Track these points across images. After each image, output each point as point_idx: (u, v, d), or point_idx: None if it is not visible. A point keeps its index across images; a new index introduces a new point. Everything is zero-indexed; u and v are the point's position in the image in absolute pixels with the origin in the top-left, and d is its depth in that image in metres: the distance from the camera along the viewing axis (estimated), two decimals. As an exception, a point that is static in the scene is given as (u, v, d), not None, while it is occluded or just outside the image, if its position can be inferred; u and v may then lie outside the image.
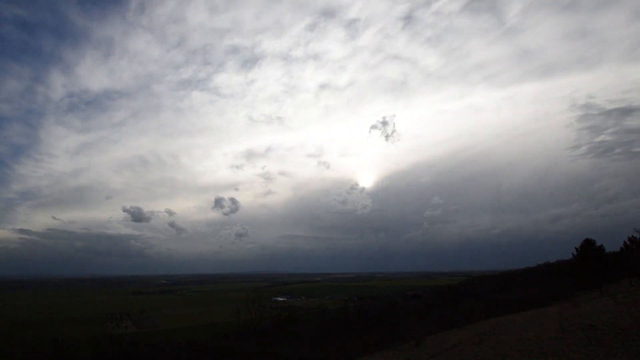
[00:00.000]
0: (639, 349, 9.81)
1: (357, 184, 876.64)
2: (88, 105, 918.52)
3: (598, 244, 41.29)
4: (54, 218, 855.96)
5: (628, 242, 43.31)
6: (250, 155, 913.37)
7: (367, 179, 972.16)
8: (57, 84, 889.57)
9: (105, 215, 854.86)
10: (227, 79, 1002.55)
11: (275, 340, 38.56)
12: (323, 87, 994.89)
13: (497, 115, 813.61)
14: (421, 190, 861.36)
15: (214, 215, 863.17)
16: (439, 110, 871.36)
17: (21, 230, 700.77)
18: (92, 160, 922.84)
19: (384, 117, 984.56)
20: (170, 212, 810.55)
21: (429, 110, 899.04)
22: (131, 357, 31.74)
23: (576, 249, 42.42)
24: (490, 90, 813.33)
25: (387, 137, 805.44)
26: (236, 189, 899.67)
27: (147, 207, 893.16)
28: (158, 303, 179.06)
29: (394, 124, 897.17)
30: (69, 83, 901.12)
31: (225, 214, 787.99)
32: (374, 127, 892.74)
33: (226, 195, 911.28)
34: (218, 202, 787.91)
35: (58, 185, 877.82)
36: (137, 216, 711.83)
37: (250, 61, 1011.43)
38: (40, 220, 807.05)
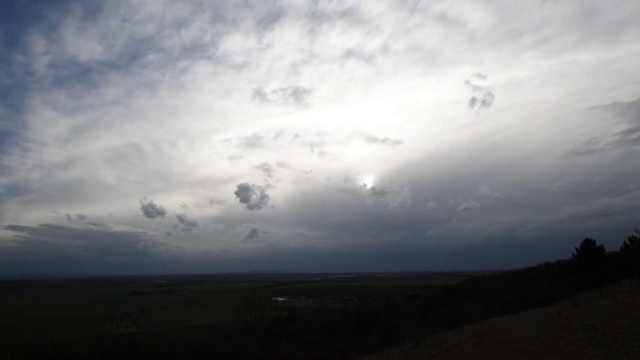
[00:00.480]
0: (639, 349, 9.82)
1: (374, 179, 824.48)
2: (77, 80, 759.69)
3: (598, 244, 41.39)
4: (54, 212, 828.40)
5: (628, 242, 43.36)
6: (254, 144, 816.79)
7: (381, 173, 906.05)
8: (39, 50, 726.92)
9: (103, 212, 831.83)
10: (239, 42, 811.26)
11: (275, 340, 38.56)
12: (350, 54, 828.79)
13: (539, 92, 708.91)
14: (433, 184, 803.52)
15: (211, 211, 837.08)
16: (475, 87, 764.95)
17: (10, 227, 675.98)
18: (84, 150, 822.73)
19: (478, 73, 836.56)
20: (166, 209, 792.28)
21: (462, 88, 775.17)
22: (131, 357, 31.73)
23: (576, 248, 42.45)
24: (538, 59, 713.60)
25: (472, 101, 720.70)
26: (269, 176, 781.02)
27: (145, 203, 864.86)
28: (158, 303, 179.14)
29: (492, 84, 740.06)
30: (52, 50, 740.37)
31: (250, 208, 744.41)
32: (467, 82, 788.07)
33: (227, 189, 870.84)
34: (241, 194, 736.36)
35: (50, 179, 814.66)
36: (135, 213, 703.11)
37: (268, 18, 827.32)
38: (32, 217, 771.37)
